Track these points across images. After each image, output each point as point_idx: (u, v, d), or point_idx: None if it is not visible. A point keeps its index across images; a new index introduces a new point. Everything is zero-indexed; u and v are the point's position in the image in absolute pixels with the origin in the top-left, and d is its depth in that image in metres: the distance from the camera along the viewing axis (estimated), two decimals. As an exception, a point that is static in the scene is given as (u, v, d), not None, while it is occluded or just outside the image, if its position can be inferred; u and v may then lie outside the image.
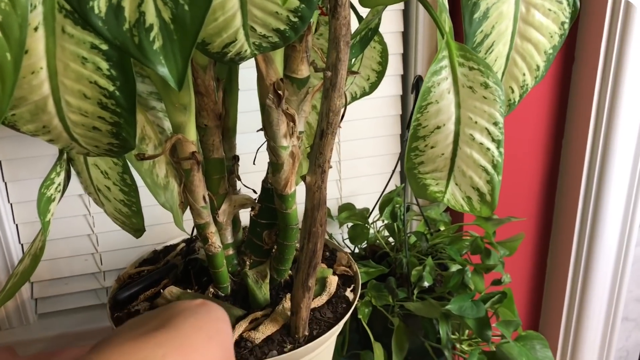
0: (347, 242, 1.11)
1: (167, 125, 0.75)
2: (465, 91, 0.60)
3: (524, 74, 0.69)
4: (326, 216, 0.70)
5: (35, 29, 0.46)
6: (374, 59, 0.89)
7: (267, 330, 0.75)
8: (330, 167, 0.70)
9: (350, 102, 0.93)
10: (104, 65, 0.48)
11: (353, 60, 0.87)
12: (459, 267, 0.98)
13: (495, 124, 0.60)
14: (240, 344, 0.74)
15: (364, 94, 0.94)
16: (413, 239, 1.06)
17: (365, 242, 1.08)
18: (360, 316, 0.94)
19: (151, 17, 0.44)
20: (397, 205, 1.02)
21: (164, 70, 0.46)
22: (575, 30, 1.21)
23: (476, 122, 0.60)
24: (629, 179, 1.25)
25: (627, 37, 1.12)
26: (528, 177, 1.31)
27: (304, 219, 0.71)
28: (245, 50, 0.58)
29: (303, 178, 0.70)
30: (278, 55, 0.70)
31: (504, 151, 0.62)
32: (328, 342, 0.79)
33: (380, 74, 0.91)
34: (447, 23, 0.60)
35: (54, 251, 1.21)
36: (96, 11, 0.43)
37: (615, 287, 1.36)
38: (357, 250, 1.11)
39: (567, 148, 1.28)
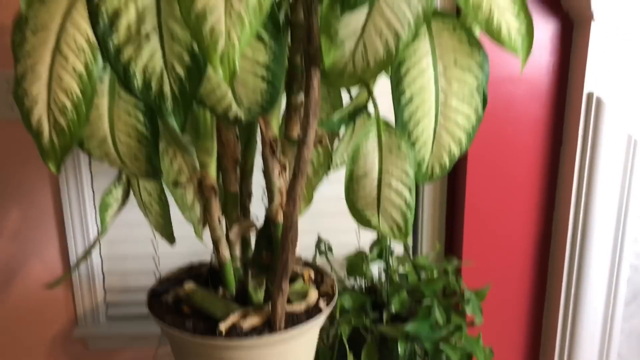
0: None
1: (198, 164, 1.06)
2: (385, 150, 0.86)
3: (450, 144, 0.94)
4: (297, 236, 0.96)
5: (102, 93, 0.78)
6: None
7: (253, 321, 1.01)
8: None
9: (345, 162, 1.19)
10: (141, 117, 0.79)
11: (344, 130, 1.14)
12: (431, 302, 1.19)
13: (407, 175, 0.85)
14: (231, 329, 1.00)
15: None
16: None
17: (363, 276, 1.32)
18: (341, 331, 1.17)
19: (167, 90, 0.75)
20: (386, 247, 1.26)
21: (172, 121, 0.76)
22: (562, 118, 1.42)
23: (392, 173, 0.85)
24: (612, 243, 1.40)
25: (598, 131, 1.32)
26: (523, 239, 1.50)
27: (281, 238, 0.97)
28: (240, 114, 0.88)
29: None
30: (275, 120, 0.99)
31: (415, 196, 0.86)
32: (301, 338, 1.03)
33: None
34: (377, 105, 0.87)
35: (125, 267, 1.54)
36: (136, 86, 0.74)
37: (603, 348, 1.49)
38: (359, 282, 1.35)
39: (557, 214, 1.47)
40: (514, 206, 1.47)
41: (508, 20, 0.87)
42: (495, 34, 0.86)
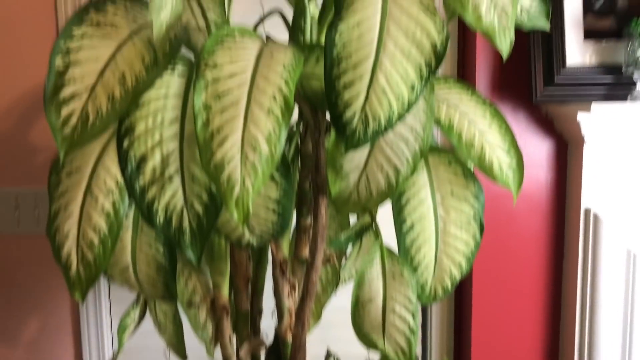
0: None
1: (211, 284, 1.11)
2: (389, 277, 0.91)
3: (451, 268, 0.99)
4: (305, 356, 1.00)
5: (127, 228, 0.85)
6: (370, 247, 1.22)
7: None
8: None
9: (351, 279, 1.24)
10: (161, 249, 0.86)
11: (351, 248, 1.20)
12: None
13: (410, 301, 0.90)
14: None
15: (366, 272, 1.25)
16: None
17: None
18: None
19: (186, 225, 0.82)
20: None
21: (189, 254, 0.82)
22: (562, 232, 1.47)
23: (396, 299, 0.90)
24: (619, 357, 1.41)
25: (597, 245, 1.37)
26: (530, 352, 1.51)
27: (290, 357, 1.01)
28: (251, 241, 0.94)
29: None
30: (285, 241, 1.06)
31: (419, 319, 0.91)
32: None
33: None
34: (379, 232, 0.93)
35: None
36: (158, 222, 0.81)
37: None
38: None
39: (563, 327, 1.48)
40: (521, 319, 1.50)
41: (499, 156, 0.95)
42: (487, 170, 0.93)
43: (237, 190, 0.73)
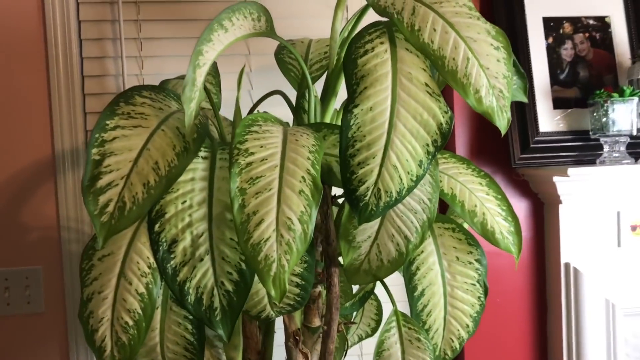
0: None
1: (224, 358, 1.13)
2: (407, 342, 0.95)
3: (458, 330, 1.04)
4: None
5: (157, 307, 0.87)
6: (371, 311, 1.27)
7: None
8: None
9: (356, 343, 1.28)
10: (189, 326, 0.88)
11: (355, 313, 1.24)
12: None
13: (428, 364, 0.94)
14: None
15: (368, 336, 1.29)
16: None
17: None
18: None
19: (217, 303, 0.85)
20: None
21: (221, 332, 0.85)
22: (544, 286, 1.55)
23: (415, 364, 0.95)
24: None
25: (579, 297, 1.45)
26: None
27: None
28: (271, 314, 0.97)
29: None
30: (297, 313, 1.09)
31: (436, 383, 0.95)
32: None
33: (378, 322, 1.27)
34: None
35: None
36: (189, 300, 0.84)
37: None
38: None
39: (552, 382, 1.54)
40: (511, 373, 1.55)
41: (499, 222, 1.02)
42: (489, 236, 1.00)
43: (274, 268, 0.77)
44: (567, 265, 1.48)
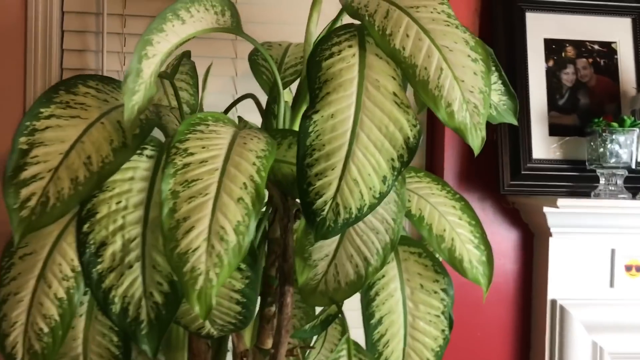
0: None
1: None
2: (356, 374, 0.87)
3: (418, 365, 0.96)
4: None
5: (80, 315, 0.80)
6: (334, 336, 1.18)
7: None
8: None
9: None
10: (115, 339, 0.81)
11: (316, 337, 1.16)
12: None
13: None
14: None
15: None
16: None
17: None
18: None
19: (143, 315, 0.77)
20: None
21: (145, 347, 0.77)
22: (529, 323, 1.46)
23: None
24: None
25: (564, 337, 1.36)
26: None
27: None
28: (213, 332, 0.90)
29: None
30: (247, 332, 1.01)
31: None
32: None
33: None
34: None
35: None
36: (113, 310, 0.77)
37: None
38: None
39: None
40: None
41: (469, 250, 0.94)
42: (457, 264, 0.92)
43: (200, 282, 0.69)
44: (553, 302, 1.39)
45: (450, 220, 0.95)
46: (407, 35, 0.81)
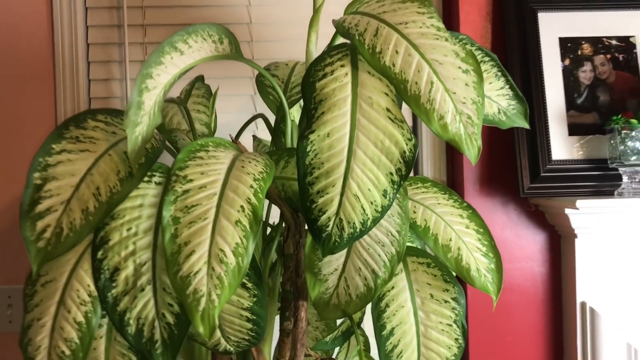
0: None
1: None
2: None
3: (434, 375, 0.96)
4: None
5: (101, 337, 0.85)
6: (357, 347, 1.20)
7: None
8: None
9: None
10: (134, 358, 0.85)
11: (339, 347, 1.17)
12: None
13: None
14: None
15: (356, 373, 1.22)
16: None
17: None
18: None
19: (157, 335, 0.82)
20: None
21: (161, 365, 0.81)
22: (560, 327, 1.44)
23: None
24: None
25: (596, 340, 1.33)
26: None
27: None
28: (230, 348, 0.93)
29: None
30: (267, 347, 1.04)
31: None
32: None
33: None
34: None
35: None
36: (129, 332, 0.81)
37: None
38: None
39: None
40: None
41: (477, 258, 0.94)
42: (464, 273, 0.93)
43: (203, 303, 0.73)
44: (583, 305, 1.36)
45: (456, 230, 0.96)
46: (397, 52, 0.83)
